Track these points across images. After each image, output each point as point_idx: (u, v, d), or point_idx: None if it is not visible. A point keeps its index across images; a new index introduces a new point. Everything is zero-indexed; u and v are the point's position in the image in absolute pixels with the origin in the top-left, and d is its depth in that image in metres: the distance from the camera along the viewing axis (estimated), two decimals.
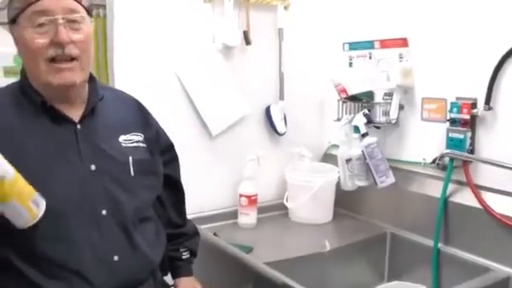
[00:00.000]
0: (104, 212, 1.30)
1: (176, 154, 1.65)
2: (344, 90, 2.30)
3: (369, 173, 2.17)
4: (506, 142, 1.82)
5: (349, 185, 2.24)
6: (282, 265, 1.81)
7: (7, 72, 1.86)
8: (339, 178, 2.28)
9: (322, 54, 2.49)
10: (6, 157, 1.10)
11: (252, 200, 2.24)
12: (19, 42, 1.25)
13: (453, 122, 1.94)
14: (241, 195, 2.24)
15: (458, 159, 1.93)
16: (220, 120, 2.26)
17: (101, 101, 1.38)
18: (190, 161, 1.89)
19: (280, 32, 2.38)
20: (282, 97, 2.40)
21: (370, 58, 2.27)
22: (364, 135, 2.18)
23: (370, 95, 2.24)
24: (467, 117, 1.90)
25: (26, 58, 1.27)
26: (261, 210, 2.29)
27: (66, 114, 1.30)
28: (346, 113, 2.30)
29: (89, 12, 1.31)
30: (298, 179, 2.31)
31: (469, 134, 1.91)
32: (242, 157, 2.29)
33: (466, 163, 1.92)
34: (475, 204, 1.88)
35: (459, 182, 1.95)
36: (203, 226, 2.10)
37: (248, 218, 2.25)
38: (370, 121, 2.21)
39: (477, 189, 1.89)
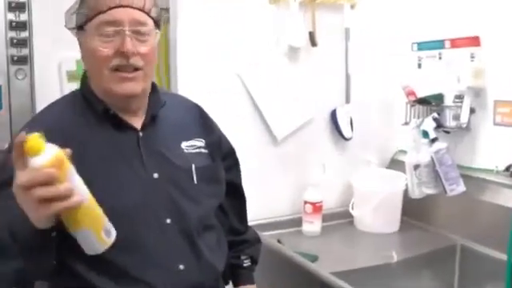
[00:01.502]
0: (168, 221, 1.29)
1: (237, 159, 1.61)
2: (412, 93, 2.20)
3: (438, 180, 2.06)
4: None
5: (416, 193, 2.14)
6: (348, 275, 1.77)
7: (71, 77, 1.94)
8: (407, 185, 2.18)
9: (389, 54, 2.39)
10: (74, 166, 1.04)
11: (317, 207, 2.20)
12: (84, 48, 1.26)
13: None
14: (305, 202, 2.21)
15: None
16: (285, 124, 2.23)
17: (162, 107, 1.37)
18: (254, 166, 1.88)
19: (347, 32, 2.32)
20: (348, 100, 2.34)
21: (440, 58, 2.15)
22: (433, 140, 2.07)
23: (439, 98, 2.12)
24: None
25: (90, 65, 1.27)
26: (325, 218, 2.24)
27: (129, 122, 1.30)
28: (414, 117, 2.20)
29: (157, 24, 1.30)
30: (364, 186, 2.25)
31: None
32: (307, 162, 2.26)
33: None
34: None
35: None
36: (266, 233, 2.09)
37: (312, 225, 2.21)
38: (439, 125, 2.10)
39: None
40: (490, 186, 1.98)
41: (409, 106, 2.22)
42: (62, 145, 0.99)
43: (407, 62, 2.29)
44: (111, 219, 1.08)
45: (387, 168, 2.41)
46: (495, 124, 1.97)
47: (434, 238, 2.14)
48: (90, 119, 1.28)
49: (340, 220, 2.32)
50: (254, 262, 1.62)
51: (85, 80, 1.32)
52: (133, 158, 1.28)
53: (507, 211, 1.85)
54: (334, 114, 2.34)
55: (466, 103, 2.02)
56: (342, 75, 2.34)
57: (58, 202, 0.94)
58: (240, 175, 1.63)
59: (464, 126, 2.04)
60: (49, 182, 0.92)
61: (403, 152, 2.30)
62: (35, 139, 0.91)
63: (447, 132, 2.11)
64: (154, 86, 1.38)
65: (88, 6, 1.22)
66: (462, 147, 2.10)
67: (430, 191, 2.11)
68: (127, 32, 1.20)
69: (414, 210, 2.25)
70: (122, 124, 1.29)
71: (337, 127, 2.34)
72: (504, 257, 1.84)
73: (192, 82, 2.03)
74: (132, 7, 1.21)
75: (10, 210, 1.00)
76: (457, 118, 2.05)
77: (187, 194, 1.33)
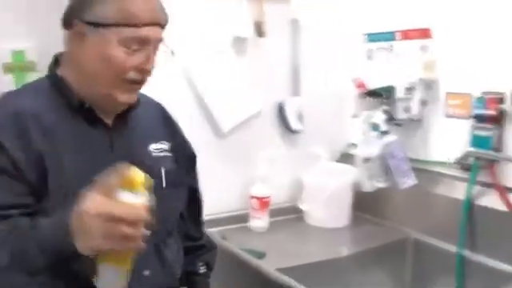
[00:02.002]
0: None
1: (196, 164, 1.56)
2: (363, 85, 2.17)
3: (389, 173, 2.04)
4: None
5: (367, 186, 2.10)
6: (296, 271, 1.72)
7: (6, 69, 1.79)
8: (357, 179, 2.14)
9: (340, 46, 2.35)
10: (49, 160, 1.10)
11: (264, 202, 2.12)
12: (92, 47, 1.17)
13: (478, 118, 1.80)
14: (252, 197, 2.13)
15: (483, 159, 1.78)
16: (231, 116, 2.14)
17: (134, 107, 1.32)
18: (199, 159, 1.78)
19: (295, 23, 2.26)
20: (296, 92, 2.28)
21: (391, 50, 2.13)
22: (384, 133, 2.05)
23: (390, 90, 2.09)
24: (494, 113, 1.76)
25: (97, 68, 1.18)
26: (274, 213, 2.17)
27: (102, 118, 1.25)
28: (364, 109, 2.17)
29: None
30: (314, 180, 2.20)
31: (495, 132, 1.77)
32: (255, 156, 2.17)
33: (492, 163, 1.78)
34: (502, 207, 1.75)
35: (485, 184, 1.81)
36: (211, 230, 1.98)
37: (260, 221, 2.13)
38: (390, 118, 2.07)
39: (504, 190, 1.75)
40: (442, 178, 1.98)
41: (359, 98, 2.19)
42: (38, 131, 1.07)
43: (358, 53, 2.26)
44: None
45: (338, 162, 2.37)
46: (447, 116, 1.96)
47: (386, 232, 2.11)
48: (62, 110, 1.21)
49: (289, 215, 2.26)
50: (210, 268, 1.59)
51: (54, 69, 1.25)
52: (104, 155, 1.22)
53: (458, 204, 1.85)
54: (281, 107, 2.27)
55: (417, 95, 2.01)
56: (290, 67, 2.28)
57: (131, 242, 0.96)
58: (198, 179, 1.59)
59: (415, 118, 2.02)
60: (138, 223, 0.94)
61: (354, 145, 2.25)
62: (140, 176, 0.93)
63: (398, 125, 2.09)
64: None
65: (117, 9, 1.14)
66: (414, 140, 2.08)
67: (380, 185, 2.08)
68: (151, 51, 1.19)
69: (365, 204, 2.22)
70: (96, 119, 1.24)
71: (285, 120, 2.28)
72: (456, 249, 1.85)
73: None
74: (159, 25, 1.19)
75: (37, 227, 1.01)
76: (408, 110, 2.04)
77: (157, 198, 1.26)
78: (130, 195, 0.93)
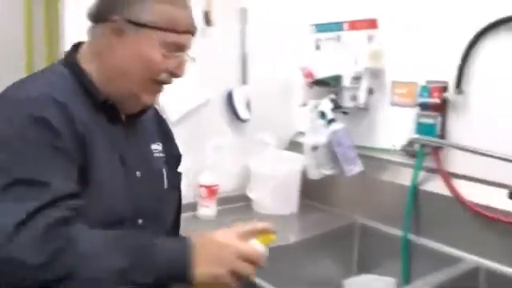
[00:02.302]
0: (140, 221, 1.24)
1: (180, 162, 1.53)
2: (310, 74, 2.19)
3: (336, 161, 2.06)
4: (478, 126, 1.75)
5: (315, 174, 2.13)
6: None
7: None
8: (305, 166, 2.16)
9: (288, 36, 2.37)
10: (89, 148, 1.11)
11: (212, 190, 2.11)
12: (130, 46, 1.15)
13: (423, 106, 1.86)
14: (200, 186, 2.11)
15: (428, 145, 1.85)
16: (179, 105, 2.11)
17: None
18: None
19: (243, 12, 2.26)
20: (245, 81, 2.28)
21: (339, 40, 2.17)
22: (331, 121, 2.07)
23: (337, 79, 2.13)
24: (438, 101, 1.82)
25: (131, 67, 1.16)
26: (222, 201, 2.17)
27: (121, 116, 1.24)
28: (312, 98, 2.19)
29: None
30: (262, 168, 2.20)
31: (439, 119, 1.83)
32: (203, 145, 2.16)
33: (436, 149, 1.84)
34: (446, 192, 1.81)
35: (430, 170, 1.87)
36: None
37: (208, 209, 2.12)
38: (337, 106, 2.10)
39: (448, 176, 1.81)
40: (388, 165, 2.03)
41: (307, 87, 2.21)
42: (77, 116, 1.08)
43: (306, 43, 2.28)
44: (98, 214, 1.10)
45: (286, 150, 2.38)
46: (393, 104, 2.02)
47: (333, 218, 2.15)
48: (86, 103, 1.17)
49: (238, 203, 2.26)
50: None
51: (73, 59, 1.21)
52: (121, 152, 1.22)
53: (404, 189, 1.91)
54: (230, 96, 2.26)
55: (364, 84, 2.05)
56: (238, 56, 2.27)
57: (239, 280, 1.03)
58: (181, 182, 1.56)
59: (362, 106, 2.06)
60: (257, 265, 1.04)
61: (302, 133, 2.28)
62: (274, 238, 1.11)
63: (345, 113, 2.13)
64: None
65: (163, 14, 1.14)
66: (361, 128, 2.12)
67: (328, 172, 2.10)
68: (185, 57, 1.21)
69: (313, 191, 2.25)
70: (116, 117, 1.23)
71: (233, 109, 2.27)
72: (401, 233, 1.90)
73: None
74: (193, 34, 1.21)
75: (154, 244, 1.03)
76: (355, 99, 2.07)
77: (159, 198, 1.30)
78: (261, 246, 1.07)
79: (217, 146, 2.19)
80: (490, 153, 1.63)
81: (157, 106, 1.47)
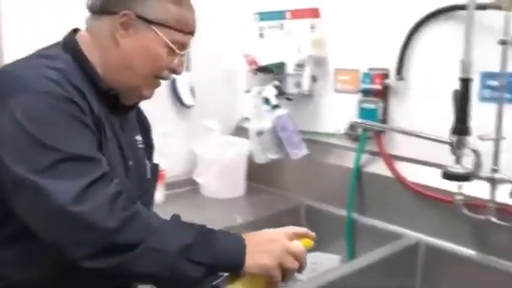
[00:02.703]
0: None
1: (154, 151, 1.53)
2: (254, 61, 2.24)
3: (281, 145, 2.13)
4: (418, 111, 1.87)
5: (261, 158, 2.18)
6: None
7: None
8: (251, 151, 2.21)
9: (232, 23, 2.40)
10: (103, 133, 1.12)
11: (159, 175, 2.11)
12: (138, 41, 1.17)
13: (365, 92, 1.95)
14: None
15: (370, 129, 1.94)
16: None
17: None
18: None
19: None
20: (188, 68, 2.29)
21: (282, 28, 2.22)
22: (275, 107, 2.13)
23: (280, 66, 2.19)
24: (379, 87, 1.92)
25: (137, 61, 1.18)
26: (170, 186, 2.19)
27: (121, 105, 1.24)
28: (256, 85, 2.24)
29: None
30: (208, 153, 2.24)
31: (381, 105, 1.93)
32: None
33: (378, 133, 1.95)
34: (387, 173, 1.92)
35: (373, 153, 1.98)
36: None
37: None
38: (281, 92, 2.17)
39: (389, 158, 1.92)
40: (332, 148, 2.12)
41: (251, 74, 2.26)
42: (89, 108, 1.08)
43: (250, 31, 2.33)
44: None
45: (232, 135, 2.43)
46: (336, 91, 2.10)
47: (280, 200, 2.22)
48: (89, 90, 1.15)
49: (185, 188, 2.29)
50: None
51: (79, 50, 1.18)
52: (119, 141, 1.23)
53: (348, 171, 2.00)
54: (173, 82, 2.27)
55: (307, 71, 2.13)
56: None
57: (281, 276, 1.07)
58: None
59: (306, 93, 2.14)
60: (300, 262, 1.09)
61: (247, 119, 2.32)
62: (312, 244, 1.17)
63: (289, 99, 2.20)
64: None
65: (173, 13, 1.17)
66: (306, 113, 2.20)
67: (273, 156, 2.16)
68: (184, 55, 1.24)
69: (259, 175, 2.31)
70: (117, 107, 1.23)
71: (177, 95, 2.29)
72: (346, 213, 2.00)
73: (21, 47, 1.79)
74: (193, 35, 1.25)
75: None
76: (298, 85, 2.14)
77: (145, 188, 1.32)
78: (303, 248, 1.12)
79: (162, 132, 2.19)
80: (426, 135, 1.74)
81: None
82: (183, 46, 1.21)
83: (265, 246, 1.07)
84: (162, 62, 1.19)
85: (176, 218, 1.09)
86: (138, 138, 1.35)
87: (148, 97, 1.26)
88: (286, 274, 1.09)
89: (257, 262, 1.05)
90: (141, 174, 1.30)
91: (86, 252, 0.97)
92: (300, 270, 1.11)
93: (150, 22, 1.15)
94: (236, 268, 1.05)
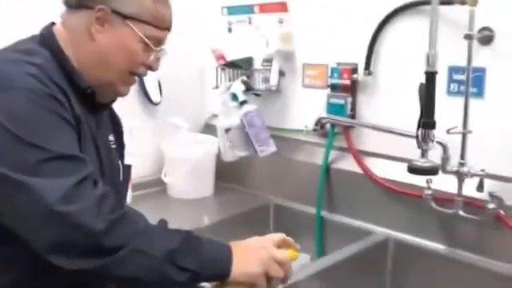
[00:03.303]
0: None
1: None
2: (222, 57, 2.21)
3: (249, 142, 2.09)
4: (386, 106, 1.86)
5: (229, 156, 2.14)
6: None
7: None
8: (219, 149, 2.18)
9: (200, 18, 2.37)
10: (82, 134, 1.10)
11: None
12: (115, 37, 1.15)
13: (333, 87, 1.93)
14: None
15: (338, 124, 1.93)
16: None
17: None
18: None
19: None
20: None
21: (250, 23, 2.20)
22: (243, 103, 2.09)
23: (248, 62, 2.17)
24: (348, 82, 1.90)
25: (113, 56, 1.16)
26: (136, 187, 2.14)
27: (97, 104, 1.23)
28: (225, 80, 2.21)
29: None
30: (175, 152, 2.20)
31: (349, 100, 1.92)
32: None
33: (347, 129, 1.93)
34: (357, 169, 1.90)
35: (342, 149, 1.96)
36: None
37: None
38: (249, 88, 2.13)
39: (358, 154, 1.90)
40: (301, 145, 2.10)
41: (219, 70, 2.23)
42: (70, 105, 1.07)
43: (218, 26, 2.29)
44: None
45: (201, 133, 2.39)
46: (304, 86, 2.08)
47: (248, 199, 2.19)
48: (71, 90, 1.13)
49: (152, 188, 2.25)
50: None
51: (58, 46, 1.16)
52: (95, 141, 1.21)
53: (317, 168, 1.98)
54: (140, 78, 2.22)
55: (275, 66, 2.10)
56: None
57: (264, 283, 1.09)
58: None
59: (274, 88, 2.11)
60: (285, 271, 1.10)
61: (216, 116, 2.28)
62: (298, 255, 1.19)
63: (257, 95, 2.17)
64: None
65: (148, 8, 1.16)
66: (274, 109, 2.18)
67: (242, 153, 2.12)
68: (160, 52, 1.23)
69: (228, 173, 2.28)
70: (94, 105, 1.21)
71: (144, 91, 2.24)
72: (315, 211, 1.98)
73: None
74: (169, 31, 1.24)
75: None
76: (266, 80, 2.12)
77: (117, 190, 1.26)
78: (286, 253, 1.14)
79: (129, 129, 2.14)
80: (394, 130, 1.74)
81: None
82: (159, 42, 1.21)
83: (252, 254, 1.09)
84: (138, 57, 1.18)
85: (163, 223, 1.11)
86: (111, 138, 1.33)
87: (124, 94, 1.25)
88: (270, 282, 1.10)
89: (243, 270, 1.06)
90: (114, 176, 1.29)
91: (71, 253, 0.96)
92: (285, 280, 1.13)
93: (125, 16, 1.14)
94: (222, 276, 1.06)
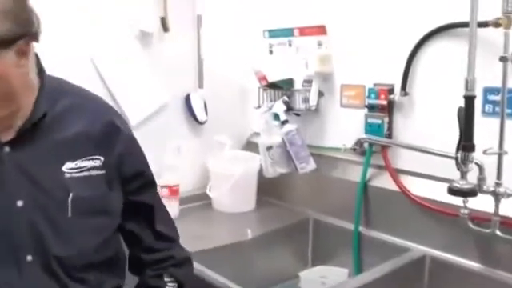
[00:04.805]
0: (29, 258, 1.13)
1: (150, 178, 1.39)
2: (264, 78, 2.30)
3: (290, 160, 2.17)
4: (422, 126, 1.89)
5: (270, 172, 2.23)
6: (200, 256, 1.73)
7: None
8: (261, 165, 2.26)
9: (242, 41, 2.47)
10: None
11: (173, 190, 2.19)
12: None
13: (371, 107, 1.98)
14: (162, 186, 2.18)
15: (376, 144, 1.98)
16: (139, 109, 2.19)
17: (44, 118, 1.16)
18: None
19: (199, 18, 2.34)
20: (201, 85, 2.37)
21: (290, 45, 2.28)
22: (284, 122, 2.18)
23: (289, 82, 2.25)
24: (384, 102, 1.95)
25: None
26: (183, 201, 2.25)
27: None
28: (266, 100, 2.30)
29: (8, 41, 1.05)
30: (220, 168, 2.29)
31: (386, 120, 1.96)
32: (163, 147, 2.23)
33: (384, 148, 1.98)
34: (393, 187, 1.94)
35: (379, 167, 2.01)
36: None
37: (170, 208, 2.11)
38: (289, 108, 2.22)
39: (395, 172, 1.94)
40: (339, 163, 2.15)
41: (261, 90, 2.32)
42: None
43: (259, 48, 2.39)
44: None
45: (243, 150, 2.48)
46: (342, 106, 2.14)
47: (288, 214, 2.26)
48: None
49: (198, 202, 2.34)
50: (181, 284, 1.38)
51: None
52: None
53: (354, 185, 2.03)
54: (187, 99, 2.35)
55: (315, 87, 2.17)
56: (195, 61, 2.36)
57: None
58: (154, 195, 1.42)
59: (313, 108, 2.18)
60: None
61: (258, 134, 2.38)
62: None
63: (297, 114, 2.24)
64: (42, 85, 1.18)
65: None
66: (312, 128, 2.24)
67: (282, 170, 2.21)
68: None
69: (269, 189, 2.35)
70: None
71: (191, 111, 2.36)
72: (352, 227, 2.03)
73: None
74: None
75: None
76: (306, 100, 2.19)
77: (57, 229, 1.16)
78: None
79: (176, 147, 2.26)
80: (431, 150, 1.78)
81: (110, 110, 1.36)
82: None
83: None
84: None
85: None
86: (74, 164, 1.18)
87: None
88: None
89: None
90: (50, 214, 1.16)
91: None
92: None
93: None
94: None
